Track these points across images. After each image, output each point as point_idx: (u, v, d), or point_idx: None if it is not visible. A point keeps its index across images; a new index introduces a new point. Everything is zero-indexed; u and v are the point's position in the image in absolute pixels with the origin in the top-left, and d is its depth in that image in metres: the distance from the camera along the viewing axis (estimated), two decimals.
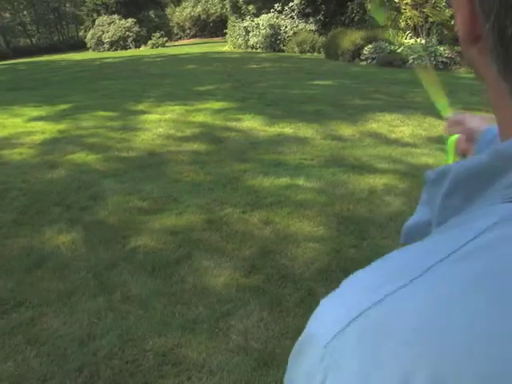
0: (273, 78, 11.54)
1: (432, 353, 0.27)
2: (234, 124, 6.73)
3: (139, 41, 31.28)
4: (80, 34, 40.16)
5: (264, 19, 20.65)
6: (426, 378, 0.27)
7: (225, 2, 24.97)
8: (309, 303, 2.65)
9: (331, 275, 2.91)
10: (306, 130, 6.32)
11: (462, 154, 0.81)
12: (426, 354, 0.28)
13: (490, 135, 0.73)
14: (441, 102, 0.90)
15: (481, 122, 0.81)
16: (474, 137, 0.78)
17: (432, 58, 13.11)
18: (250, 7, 21.84)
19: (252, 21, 21.53)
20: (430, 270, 0.30)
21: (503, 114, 0.36)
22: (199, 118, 7.19)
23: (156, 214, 3.84)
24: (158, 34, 31.49)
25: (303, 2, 19.56)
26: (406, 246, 0.36)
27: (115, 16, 31.92)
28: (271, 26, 20.38)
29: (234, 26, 23.36)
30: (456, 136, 0.81)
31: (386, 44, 14.28)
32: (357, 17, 17.89)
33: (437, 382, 0.27)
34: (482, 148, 0.72)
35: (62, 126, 6.87)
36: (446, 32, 14.12)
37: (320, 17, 19.51)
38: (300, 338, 0.35)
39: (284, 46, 20.30)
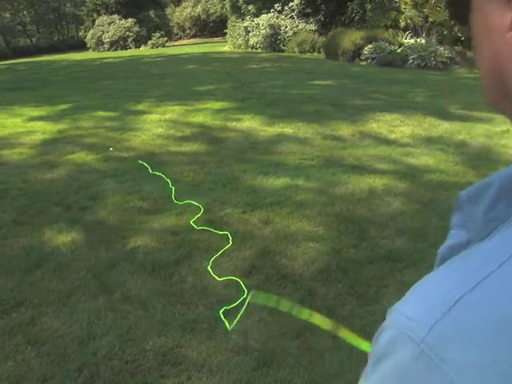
0: (273, 77, 11.54)
1: None
2: (233, 124, 6.73)
3: (139, 41, 31.28)
4: (80, 34, 40.16)
5: (264, 19, 20.65)
6: None
7: (225, 2, 24.97)
8: (309, 303, 2.65)
9: (331, 275, 2.91)
10: (305, 130, 6.32)
11: None
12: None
13: None
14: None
15: None
16: None
17: (432, 58, 13.11)
18: (250, 7, 21.83)
19: (252, 21, 21.52)
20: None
21: None
22: (199, 118, 7.19)
23: (156, 214, 3.84)
24: (157, 34, 31.49)
25: (303, 1, 19.56)
26: (475, 246, 0.37)
27: (115, 16, 31.92)
28: (271, 26, 20.38)
29: (234, 26, 23.36)
30: None
31: (386, 44, 14.28)
32: (357, 17, 17.88)
33: None
34: None
35: (62, 126, 6.86)
36: (445, 32, 14.12)
37: (320, 17, 19.51)
38: (375, 349, 0.36)
39: (284, 46, 20.30)
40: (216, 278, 2.89)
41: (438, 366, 0.31)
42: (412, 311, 0.34)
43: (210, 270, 2.98)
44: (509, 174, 0.37)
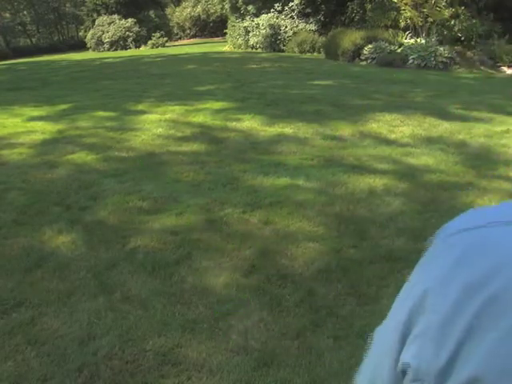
0: (273, 77, 11.54)
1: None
2: (233, 124, 6.73)
3: (139, 41, 31.26)
4: (80, 33, 40.14)
5: (264, 19, 20.64)
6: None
7: (224, 3, 24.96)
8: (309, 303, 2.65)
9: (331, 275, 2.91)
10: (305, 130, 6.32)
11: None
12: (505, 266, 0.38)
13: None
14: None
15: None
16: None
17: (432, 58, 13.11)
18: (250, 7, 21.81)
19: (252, 21, 21.51)
20: None
21: None
22: (199, 118, 7.19)
23: (156, 213, 3.84)
24: (158, 34, 31.47)
25: (303, 1, 19.54)
26: None
27: (115, 16, 31.90)
28: (271, 26, 20.36)
29: (234, 26, 23.34)
30: None
31: (386, 44, 14.28)
32: (357, 17, 17.87)
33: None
34: None
35: (61, 126, 6.86)
36: (445, 32, 14.12)
37: (320, 17, 19.50)
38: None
39: (284, 45, 20.28)
40: None
41: (448, 248, 0.43)
42: (458, 219, 0.46)
43: None
44: None
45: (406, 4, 14.14)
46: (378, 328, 0.49)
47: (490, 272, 0.38)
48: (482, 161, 5.01)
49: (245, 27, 21.88)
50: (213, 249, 3.25)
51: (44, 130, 6.69)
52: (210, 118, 7.13)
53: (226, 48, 23.81)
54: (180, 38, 41.02)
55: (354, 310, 2.59)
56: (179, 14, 41.41)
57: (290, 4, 20.00)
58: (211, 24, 39.95)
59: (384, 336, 0.46)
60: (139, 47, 30.77)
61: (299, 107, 7.78)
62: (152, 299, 2.70)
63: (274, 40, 20.61)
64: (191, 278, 2.91)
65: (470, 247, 0.41)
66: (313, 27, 19.48)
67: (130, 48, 30.68)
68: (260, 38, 20.96)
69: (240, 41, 22.69)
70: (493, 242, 0.40)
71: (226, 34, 26.18)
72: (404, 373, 0.41)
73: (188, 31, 42.11)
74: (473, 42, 13.87)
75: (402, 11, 14.73)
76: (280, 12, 20.44)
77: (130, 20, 31.13)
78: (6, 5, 37.83)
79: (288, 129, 6.41)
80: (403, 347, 0.42)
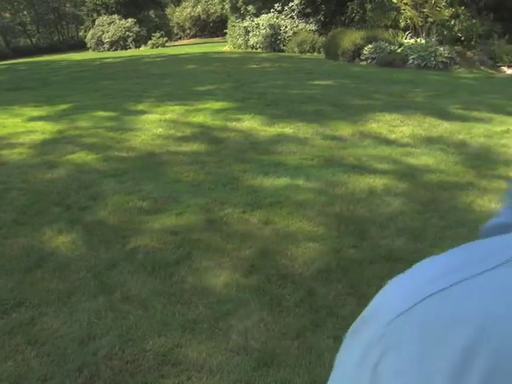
0: (273, 77, 11.54)
1: (493, 345, 0.27)
2: (233, 124, 6.73)
3: (139, 41, 31.26)
4: (80, 33, 40.14)
5: (264, 19, 20.64)
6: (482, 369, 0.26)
7: (224, 3, 24.96)
8: (309, 303, 2.65)
9: (331, 275, 2.91)
10: (306, 130, 6.32)
11: None
12: (485, 346, 0.27)
13: None
14: None
15: None
16: None
17: (432, 58, 13.11)
18: (250, 7, 21.81)
19: (252, 21, 21.51)
20: (506, 264, 0.29)
21: None
22: (199, 118, 7.19)
23: (156, 213, 3.84)
24: (158, 34, 31.47)
25: (303, 2, 19.55)
26: (492, 237, 0.34)
27: (115, 16, 31.90)
28: (271, 26, 20.37)
29: (234, 26, 23.34)
30: None
31: (386, 44, 14.28)
32: (357, 17, 17.87)
33: (493, 373, 0.26)
34: None
35: (61, 126, 6.86)
36: (445, 32, 14.12)
37: (320, 17, 19.50)
38: (362, 313, 0.36)
39: (284, 46, 20.29)
40: None
41: (388, 353, 0.30)
42: (395, 288, 0.33)
43: None
44: None
45: (406, 4, 14.14)
46: None
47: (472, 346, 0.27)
48: (482, 161, 5.01)
49: (245, 27, 21.88)
50: (213, 249, 3.25)
51: (44, 130, 6.69)
52: (209, 118, 7.13)
53: (226, 48, 23.81)
54: (180, 38, 41.02)
55: (354, 310, 2.59)
56: (179, 14, 41.41)
57: (290, 4, 20.01)
58: (211, 24, 39.95)
59: None
60: (139, 47, 30.77)
61: (299, 107, 7.78)
62: (152, 299, 2.70)
63: (274, 40, 20.61)
64: (191, 278, 2.91)
65: (430, 329, 0.29)
66: (313, 27, 19.48)
67: (129, 48, 30.68)
68: (260, 37, 20.96)
69: (240, 41, 22.69)
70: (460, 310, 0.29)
71: (225, 33, 26.18)
72: None
73: (188, 31, 42.11)
74: (473, 42, 13.87)
75: (402, 11, 14.73)
76: (280, 12, 20.44)
77: (129, 20, 31.13)
78: (6, 5, 37.82)
79: (288, 129, 6.41)
80: None
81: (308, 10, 19.72)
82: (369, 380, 0.31)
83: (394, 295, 0.33)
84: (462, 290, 0.29)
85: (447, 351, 0.28)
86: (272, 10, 20.60)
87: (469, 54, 13.49)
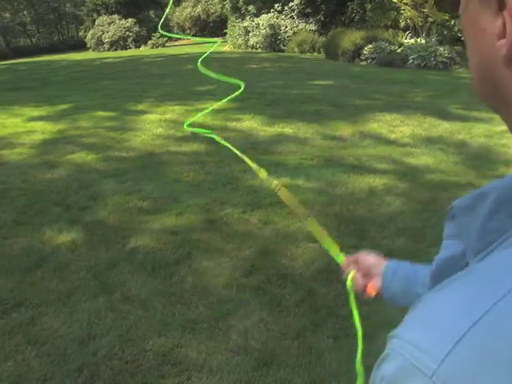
0: (273, 77, 11.54)
1: None
2: (233, 124, 6.73)
3: (139, 41, 31.27)
4: (80, 33, 40.17)
5: (264, 19, 20.65)
6: None
7: (225, 3, 24.95)
8: (309, 303, 2.65)
9: (331, 275, 2.91)
10: (306, 130, 6.32)
11: (362, 289, 0.88)
12: None
13: (390, 271, 0.84)
14: (334, 250, 1.02)
15: (375, 258, 0.93)
16: (371, 272, 0.88)
17: (432, 58, 13.11)
18: (250, 7, 21.82)
19: (252, 21, 21.52)
20: None
21: None
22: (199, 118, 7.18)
23: (156, 214, 3.84)
24: (158, 34, 31.48)
25: (303, 1, 19.55)
26: (478, 265, 0.35)
27: (115, 16, 31.92)
28: (271, 26, 20.37)
29: (234, 26, 23.35)
30: (353, 273, 0.90)
31: (386, 44, 14.28)
32: (357, 17, 17.88)
33: None
34: (388, 280, 0.84)
35: (61, 126, 6.86)
36: (445, 32, 14.12)
37: (320, 17, 19.51)
38: (387, 369, 0.33)
39: (284, 46, 20.29)
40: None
41: None
42: (419, 339, 0.31)
43: None
44: (506, 184, 0.36)
45: (405, 4, 14.14)
46: None
47: None
48: (482, 161, 5.01)
49: (245, 27, 21.88)
50: (213, 249, 3.25)
51: (44, 129, 6.69)
52: (209, 118, 7.13)
53: (226, 48, 23.81)
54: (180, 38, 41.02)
55: None
56: (179, 14, 41.42)
57: (290, 4, 20.02)
58: (211, 24, 39.95)
59: None
60: (139, 47, 30.78)
61: (299, 107, 7.78)
62: (152, 299, 2.70)
63: (274, 40, 20.61)
64: (191, 278, 2.91)
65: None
66: (313, 27, 19.49)
67: (129, 48, 30.69)
68: (260, 37, 20.97)
69: (240, 41, 22.69)
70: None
71: (225, 33, 26.18)
72: None
73: (188, 31, 42.10)
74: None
75: (402, 11, 14.73)
76: (280, 12, 20.45)
77: (129, 20, 31.15)
78: (6, 5, 37.83)
79: (288, 129, 6.41)
80: None
81: (308, 10, 19.73)
82: None
83: (412, 349, 0.31)
84: (499, 313, 0.29)
85: None
86: (272, 10, 20.61)
87: None
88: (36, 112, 8.06)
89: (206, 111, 2.51)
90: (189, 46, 30.09)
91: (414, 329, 0.32)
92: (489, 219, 0.36)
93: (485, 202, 0.37)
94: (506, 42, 0.34)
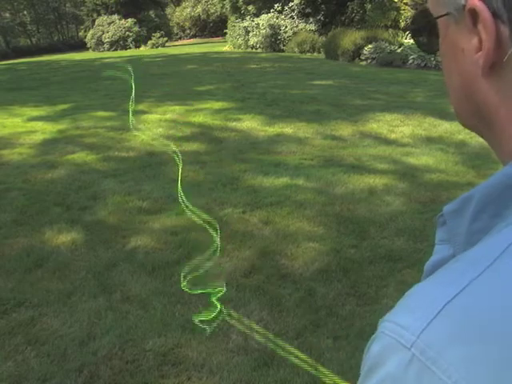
0: (273, 77, 11.54)
1: None
2: (233, 124, 6.73)
3: (139, 41, 31.27)
4: (80, 34, 40.17)
5: (264, 19, 20.65)
6: None
7: (225, 2, 24.96)
8: (309, 303, 2.65)
9: (331, 275, 2.91)
10: (306, 130, 6.32)
11: None
12: None
13: None
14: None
15: None
16: None
17: (432, 58, 13.12)
18: (250, 7, 21.83)
19: (252, 21, 21.52)
20: (497, 260, 0.33)
21: None
22: (199, 118, 7.19)
23: (156, 214, 3.84)
24: (158, 34, 31.49)
25: (303, 1, 19.55)
26: (461, 254, 0.38)
27: (115, 16, 31.92)
28: (271, 26, 20.37)
29: (234, 26, 23.35)
30: None
31: (386, 44, 14.29)
32: (357, 17, 17.88)
33: None
34: None
35: (61, 126, 6.86)
36: None
37: (320, 17, 19.51)
38: (364, 365, 0.36)
39: (284, 46, 20.29)
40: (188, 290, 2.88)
41: (429, 368, 0.31)
42: (402, 320, 0.34)
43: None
44: (489, 185, 0.38)
45: (406, 4, 14.14)
46: None
47: None
48: (482, 160, 5.01)
49: (245, 27, 21.89)
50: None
51: (44, 129, 6.69)
52: (209, 118, 7.13)
53: (226, 48, 23.81)
54: (180, 38, 41.05)
55: (354, 310, 2.59)
56: (179, 14, 41.44)
57: (290, 4, 20.02)
58: (211, 24, 39.98)
59: None
60: (139, 47, 30.78)
61: (299, 107, 7.78)
62: (152, 299, 2.70)
63: (273, 40, 20.61)
64: (191, 278, 2.91)
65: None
66: (313, 27, 19.49)
67: (129, 48, 30.69)
68: (260, 38, 20.97)
69: (240, 41, 22.70)
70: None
71: (225, 33, 26.19)
72: None
73: (188, 31, 42.15)
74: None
75: (401, 11, 14.74)
76: (280, 12, 20.45)
77: (129, 20, 31.14)
78: (6, 5, 37.83)
79: (288, 129, 6.41)
80: None
81: (308, 10, 19.73)
82: None
83: (401, 326, 0.34)
84: (473, 290, 0.32)
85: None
86: (272, 10, 20.61)
87: None
88: (36, 112, 8.06)
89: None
90: (189, 46, 30.10)
91: (399, 312, 0.35)
92: (473, 220, 0.39)
93: (470, 204, 0.39)
94: (482, 51, 0.38)
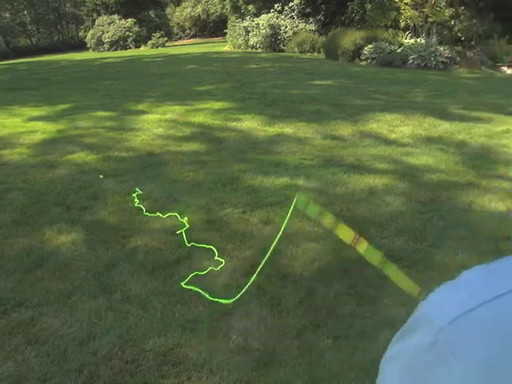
0: (273, 77, 11.54)
1: None
2: (233, 124, 6.73)
3: (139, 41, 31.26)
4: (80, 33, 40.16)
5: (264, 19, 20.64)
6: None
7: (225, 3, 24.95)
8: (309, 303, 2.65)
9: (331, 275, 2.91)
10: (305, 130, 6.32)
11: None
12: None
13: None
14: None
15: None
16: None
17: (432, 58, 13.11)
18: (250, 7, 21.81)
19: (252, 21, 21.51)
20: None
21: None
22: (199, 118, 7.19)
23: (156, 214, 3.84)
24: (158, 34, 31.47)
25: (303, 1, 19.55)
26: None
27: (115, 16, 31.90)
28: (271, 26, 20.37)
29: (234, 26, 23.34)
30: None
31: (386, 44, 14.28)
32: (357, 17, 17.88)
33: None
34: None
35: (61, 126, 6.86)
36: (445, 32, 14.12)
37: (320, 17, 19.50)
38: (408, 322, 0.36)
39: (284, 46, 20.29)
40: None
41: (447, 358, 0.31)
42: (444, 296, 0.34)
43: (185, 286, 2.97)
44: None
45: (406, 4, 14.14)
46: None
47: None
48: (482, 161, 5.01)
49: (245, 27, 21.88)
50: (213, 249, 3.24)
51: (44, 129, 6.69)
52: (209, 118, 7.13)
53: (226, 48, 23.81)
54: (180, 38, 41.04)
55: (354, 310, 2.59)
56: (179, 14, 41.42)
57: (290, 4, 20.01)
58: (211, 24, 39.96)
59: None
60: (139, 47, 30.77)
61: (299, 107, 7.78)
62: (152, 299, 2.70)
63: (273, 40, 20.61)
64: (191, 278, 2.91)
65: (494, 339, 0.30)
66: (313, 27, 19.48)
67: (129, 48, 30.68)
68: (260, 38, 20.96)
69: (240, 41, 22.69)
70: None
71: (225, 33, 26.18)
72: None
73: (188, 31, 42.13)
74: (473, 42, 13.87)
75: (401, 11, 14.73)
76: (280, 12, 20.45)
77: (129, 20, 31.13)
78: (6, 5, 37.82)
79: (288, 129, 6.41)
80: None
81: (308, 10, 19.72)
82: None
83: (443, 303, 0.34)
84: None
85: None
86: (272, 10, 20.61)
87: (469, 53, 13.49)
88: (36, 112, 8.06)
89: None
90: (189, 46, 30.09)
91: (445, 288, 0.35)
92: None
93: None
94: None
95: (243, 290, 2.49)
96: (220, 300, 2.58)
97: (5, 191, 4.39)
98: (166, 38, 32.08)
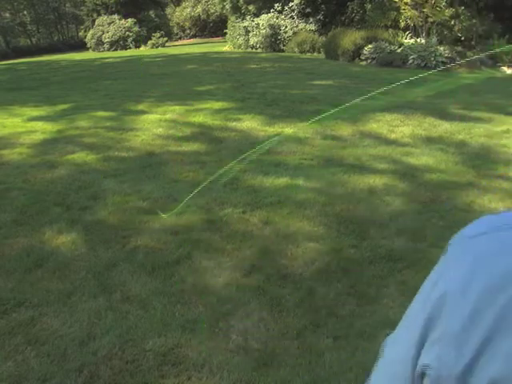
0: (273, 77, 11.54)
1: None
2: (233, 124, 6.73)
3: (139, 41, 31.26)
4: (80, 34, 40.16)
5: (264, 19, 20.63)
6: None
7: (225, 3, 24.95)
8: (309, 303, 2.65)
9: (331, 275, 2.91)
10: (306, 130, 6.32)
11: None
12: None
13: None
14: None
15: None
16: None
17: (432, 58, 13.12)
18: (250, 7, 21.81)
19: (252, 21, 21.51)
20: None
21: None
22: (199, 118, 7.19)
23: (156, 213, 3.84)
24: (158, 34, 31.47)
25: (303, 1, 19.54)
26: None
27: (115, 16, 31.91)
28: (271, 26, 20.36)
29: (234, 26, 23.34)
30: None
31: (386, 44, 14.28)
32: (357, 17, 17.87)
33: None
34: None
35: (61, 126, 6.86)
36: (445, 32, 14.12)
37: (320, 17, 19.50)
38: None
39: (284, 46, 20.28)
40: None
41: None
42: (473, 223, 0.47)
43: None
44: None
45: (406, 4, 14.14)
46: (389, 336, 0.47)
47: (509, 274, 0.38)
48: (482, 161, 5.01)
49: (245, 27, 21.88)
50: (213, 249, 3.25)
51: (44, 129, 6.69)
52: (209, 118, 7.13)
53: (226, 48, 23.81)
54: (180, 38, 41.03)
55: (354, 310, 2.59)
56: (179, 14, 41.42)
57: (290, 4, 20.00)
58: (211, 24, 39.96)
59: (399, 343, 0.45)
60: (139, 47, 30.77)
61: (299, 107, 7.78)
62: (152, 299, 2.70)
63: (273, 40, 20.60)
64: (191, 278, 2.91)
65: (489, 250, 0.41)
66: (313, 27, 19.47)
67: (129, 48, 30.69)
68: (260, 38, 20.96)
69: (240, 41, 22.69)
70: (511, 244, 0.41)
71: (226, 34, 26.18)
72: (423, 375, 0.40)
73: (188, 31, 42.12)
74: (473, 42, 13.87)
75: (402, 11, 14.73)
76: (280, 12, 20.44)
77: (129, 20, 31.13)
78: (6, 5, 37.82)
79: (288, 129, 6.41)
80: (421, 353, 0.41)
81: (308, 10, 19.71)
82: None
83: (480, 222, 0.47)
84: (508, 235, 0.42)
85: (489, 273, 0.40)
86: (272, 10, 20.60)
87: (469, 54, 13.48)
88: (36, 112, 8.06)
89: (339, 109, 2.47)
90: (189, 46, 30.09)
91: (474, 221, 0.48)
92: None
93: None
94: None
95: (183, 203, 2.52)
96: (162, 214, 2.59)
97: (5, 191, 4.39)
98: (165, 38, 32.08)
